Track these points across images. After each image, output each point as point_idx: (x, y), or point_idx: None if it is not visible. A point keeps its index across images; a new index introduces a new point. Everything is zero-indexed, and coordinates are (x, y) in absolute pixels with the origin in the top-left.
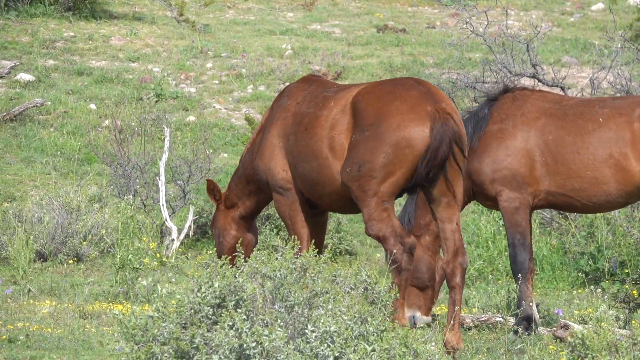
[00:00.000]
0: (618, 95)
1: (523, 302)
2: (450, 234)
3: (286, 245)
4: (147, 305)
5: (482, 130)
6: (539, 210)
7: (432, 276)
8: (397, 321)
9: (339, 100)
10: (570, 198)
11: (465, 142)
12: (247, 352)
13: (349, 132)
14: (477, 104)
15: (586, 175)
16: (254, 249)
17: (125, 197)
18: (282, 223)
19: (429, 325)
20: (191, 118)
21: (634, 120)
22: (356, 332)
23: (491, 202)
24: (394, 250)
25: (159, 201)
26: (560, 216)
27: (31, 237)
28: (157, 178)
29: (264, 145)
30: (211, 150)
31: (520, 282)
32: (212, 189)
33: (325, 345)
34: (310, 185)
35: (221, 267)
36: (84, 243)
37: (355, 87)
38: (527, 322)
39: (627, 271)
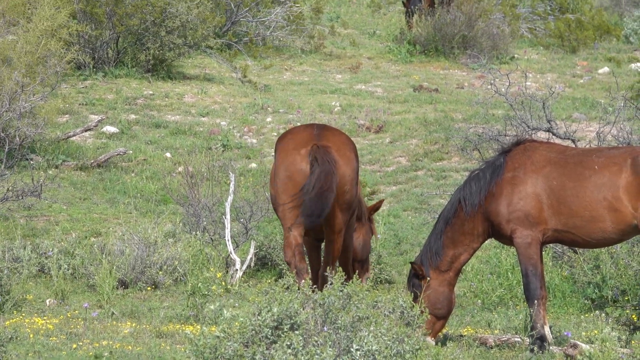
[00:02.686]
0: (617, 145)
1: (537, 324)
2: (327, 252)
3: (335, 275)
4: (214, 326)
5: (499, 177)
6: (551, 245)
7: (450, 309)
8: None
9: None
10: (573, 234)
11: (340, 177)
12: None
13: None
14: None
15: (585, 215)
16: None
17: (196, 233)
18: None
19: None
20: (253, 165)
21: (625, 168)
22: (394, 350)
23: (507, 239)
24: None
25: (224, 237)
26: (570, 251)
27: (114, 267)
28: (224, 217)
29: None
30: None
31: (533, 307)
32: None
33: None
34: None
35: (279, 294)
36: (160, 272)
37: None
38: (541, 341)
39: (627, 298)
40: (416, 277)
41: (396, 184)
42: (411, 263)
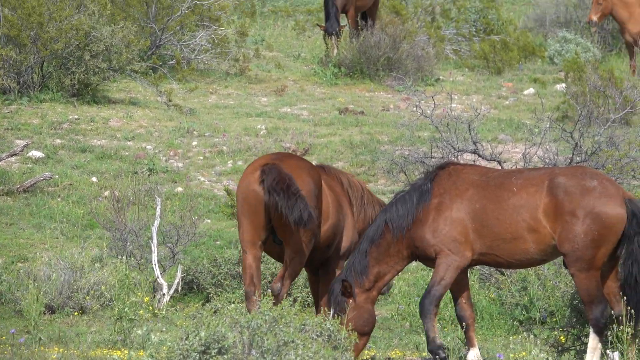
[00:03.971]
0: (539, 167)
1: (430, 336)
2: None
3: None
4: (141, 351)
5: (426, 203)
6: (478, 268)
7: (373, 326)
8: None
9: None
10: (496, 256)
11: (285, 194)
12: None
13: None
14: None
15: (506, 237)
16: None
17: (122, 258)
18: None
19: None
20: (179, 189)
21: (542, 190)
22: None
23: (432, 262)
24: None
25: (151, 261)
26: (498, 272)
27: (41, 292)
28: (150, 241)
29: None
30: (196, 217)
31: (426, 321)
32: None
33: None
34: None
35: (206, 318)
36: (87, 297)
37: None
38: (438, 351)
39: (555, 319)
40: (342, 295)
41: None
42: (343, 281)
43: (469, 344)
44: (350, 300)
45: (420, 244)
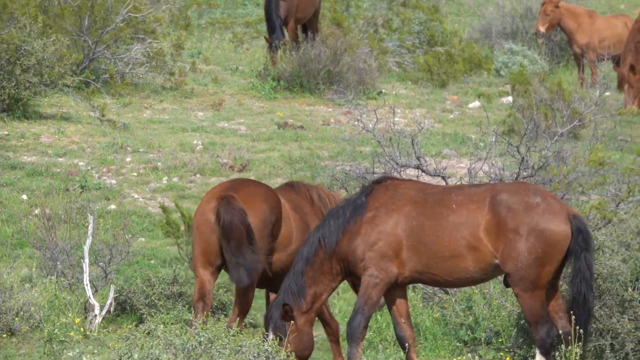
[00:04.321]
0: (481, 182)
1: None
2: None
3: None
4: None
5: (360, 216)
6: (421, 286)
7: (311, 349)
8: None
9: None
10: (434, 275)
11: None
12: None
13: None
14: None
15: (445, 255)
16: None
17: (53, 278)
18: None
19: None
20: (112, 207)
21: (484, 207)
22: None
23: (357, 278)
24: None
25: (83, 281)
26: (441, 292)
27: None
28: (82, 260)
29: None
30: (130, 235)
31: (350, 345)
32: None
33: None
34: None
35: (139, 339)
36: (17, 319)
37: None
38: None
39: (501, 340)
40: (281, 318)
41: None
42: (284, 305)
43: None
44: (289, 324)
45: (352, 258)
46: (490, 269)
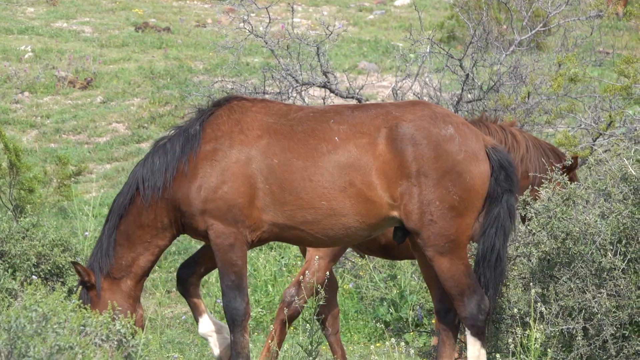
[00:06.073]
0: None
1: (240, 356)
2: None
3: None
4: None
5: (193, 151)
6: None
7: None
8: None
9: None
10: (302, 231)
11: None
12: None
13: None
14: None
15: (321, 207)
16: None
17: None
18: (21, 263)
19: None
20: None
21: (379, 142)
22: None
23: (202, 237)
24: None
25: None
26: (356, 255)
27: None
28: None
29: None
30: None
31: (235, 331)
32: None
33: None
34: None
35: None
36: None
37: None
38: None
39: (434, 321)
40: (84, 286)
41: (111, 161)
42: (73, 263)
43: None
44: (94, 293)
45: (187, 207)
46: (383, 224)
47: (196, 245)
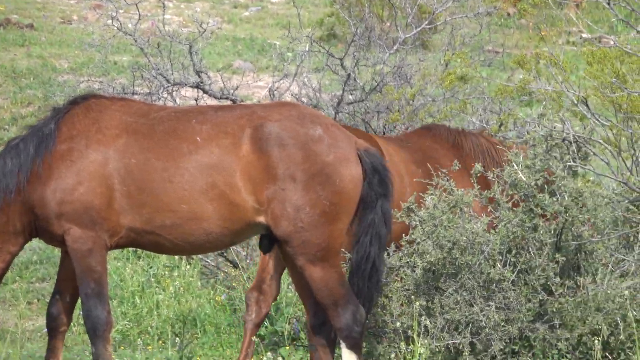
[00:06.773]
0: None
1: None
2: None
3: None
4: None
5: (47, 151)
6: (200, 256)
7: None
8: None
9: None
10: (159, 236)
11: None
12: None
13: None
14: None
15: (181, 210)
16: None
17: None
18: None
19: None
20: None
21: (243, 143)
22: None
23: (58, 242)
24: None
25: None
26: (230, 265)
27: None
28: None
29: None
30: None
31: (96, 343)
32: None
33: None
34: None
35: None
36: None
37: None
38: None
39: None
40: None
41: None
42: None
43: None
44: None
45: (42, 210)
46: (247, 231)
47: (59, 253)
